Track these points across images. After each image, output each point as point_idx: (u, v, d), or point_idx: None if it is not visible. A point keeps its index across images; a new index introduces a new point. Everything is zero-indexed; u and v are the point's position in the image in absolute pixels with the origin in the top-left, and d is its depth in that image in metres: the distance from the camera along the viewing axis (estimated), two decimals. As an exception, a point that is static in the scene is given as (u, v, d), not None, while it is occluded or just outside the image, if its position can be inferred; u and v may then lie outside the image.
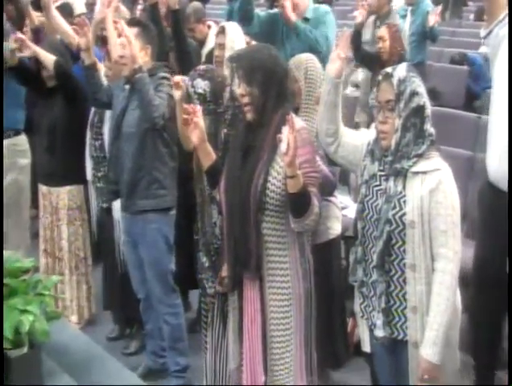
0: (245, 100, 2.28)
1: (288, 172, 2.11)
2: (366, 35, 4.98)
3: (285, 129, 2.04)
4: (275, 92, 2.26)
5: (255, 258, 2.27)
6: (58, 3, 4.82)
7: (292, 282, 2.32)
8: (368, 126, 2.99)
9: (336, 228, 3.11)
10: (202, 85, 2.71)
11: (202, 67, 2.72)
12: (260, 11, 4.32)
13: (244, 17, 3.91)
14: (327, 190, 2.97)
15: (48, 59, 3.54)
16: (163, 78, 3.02)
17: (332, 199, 3.09)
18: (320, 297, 2.92)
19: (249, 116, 2.29)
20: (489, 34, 2.78)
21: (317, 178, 2.29)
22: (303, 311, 2.36)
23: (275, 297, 2.31)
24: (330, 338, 3.10)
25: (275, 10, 4.14)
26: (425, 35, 5.68)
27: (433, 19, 5.47)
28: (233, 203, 2.32)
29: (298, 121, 2.31)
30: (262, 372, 2.33)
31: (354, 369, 3.25)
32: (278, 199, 2.24)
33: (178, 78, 2.75)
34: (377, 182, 2.22)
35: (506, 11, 2.74)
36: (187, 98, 2.83)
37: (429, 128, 2.17)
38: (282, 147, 2.04)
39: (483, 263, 2.89)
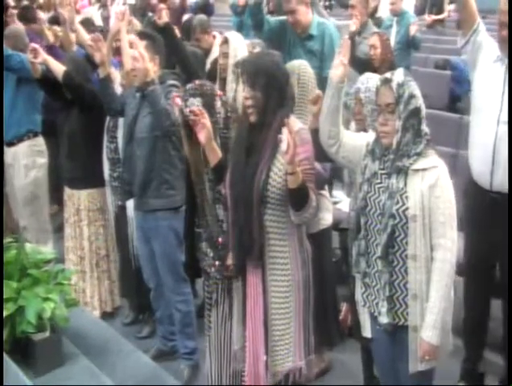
0: (249, 102, 2.29)
1: (288, 169, 2.12)
2: None
3: (285, 130, 2.06)
4: (276, 95, 2.27)
5: (258, 247, 2.28)
6: (79, 18, 4.87)
7: (292, 270, 2.33)
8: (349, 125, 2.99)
9: (327, 219, 3.12)
10: (195, 102, 2.72)
11: (191, 85, 2.71)
12: (271, 18, 4.28)
13: (255, 23, 3.91)
14: (318, 184, 2.98)
15: (58, 69, 3.52)
16: (172, 86, 3.02)
17: (323, 192, 3.10)
18: (314, 283, 2.94)
19: (252, 117, 2.30)
20: (466, 43, 2.79)
21: (314, 175, 2.30)
22: (302, 297, 2.37)
23: (276, 284, 2.32)
24: (323, 321, 3.11)
25: (284, 18, 4.09)
26: (409, 43, 5.69)
27: (414, 29, 5.48)
28: (237, 196, 2.33)
29: (297, 123, 2.32)
30: (263, 352, 2.34)
31: (346, 349, 3.27)
32: (279, 194, 2.25)
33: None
34: (379, 180, 2.22)
35: (479, 20, 2.76)
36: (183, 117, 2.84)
37: (425, 128, 2.17)
38: (283, 147, 2.05)
39: (471, 255, 2.89)
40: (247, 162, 2.30)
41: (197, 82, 2.73)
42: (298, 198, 2.20)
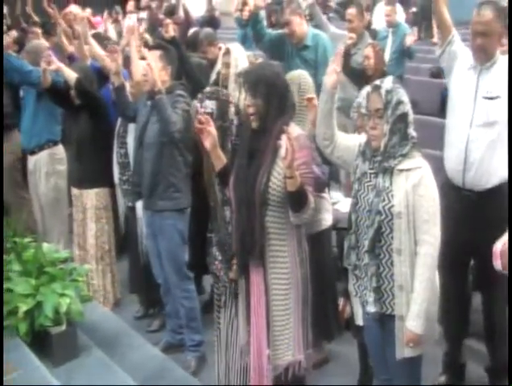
0: (251, 110, 2.31)
1: (287, 173, 2.15)
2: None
3: (284, 137, 2.08)
4: (277, 103, 2.29)
5: (259, 247, 2.29)
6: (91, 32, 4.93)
7: (291, 269, 2.34)
8: (345, 129, 3.02)
9: (327, 219, 3.14)
10: (210, 105, 2.75)
11: (208, 89, 2.74)
12: (272, 31, 4.35)
13: (255, 35, 3.96)
14: (318, 187, 3.00)
15: (71, 76, 3.59)
16: (180, 95, 3.05)
17: (323, 194, 3.12)
18: (314, 279, 2.94)
19: (254, 124, 2.32)
20: (443, 52, 2.86)
21: (312, 178, 2.32)
22: (301, 294, 2.37)
23: (276, 282, 2.33)
24: (323, 315, 3.13)
25: (283, 31, 4.15)
26: (403, 53, 5.70)
27: (410, 40, 5.49)
28: (240, 199, 2.35)
29: (296, 129, 2.35)
30: (266, 346, 2.35)
31: (344, 341, 3.27)
32: (279, 196, 2.26)
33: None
34: (368, 179, 2.25)
35: (454, 32, 2.84)
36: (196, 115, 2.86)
37: (412, 132, 2.21)
38: (282, 152, 2.08)
39: (447, 248, 2.92)
40: (249, 166, 2.32)
41: (214, 87, 2.75)
42: (297, 200, 2.22)
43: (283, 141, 2.07)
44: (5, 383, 2.06)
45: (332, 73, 2.26)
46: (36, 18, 6.02)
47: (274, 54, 3.76)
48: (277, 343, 2.35)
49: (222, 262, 2.72)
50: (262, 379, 2.38)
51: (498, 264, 1.93)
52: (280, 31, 4.25)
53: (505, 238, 1.93)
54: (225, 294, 2.74)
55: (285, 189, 2.22)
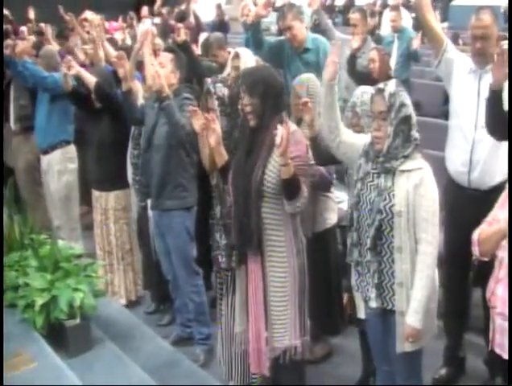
0: (248, 109, 2.36)
1: (281, 161, 2.21)
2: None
3: (279, 127, 2.15)
4: (272, 102, 2.34)
5: (256, 237, 2.34)
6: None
7: (288, 257, 2.37)
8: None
9: (332, 218, 3.14)
10: (222, 90, 2.77)
11: (223, 75, 2.75)
12: (270, 38, 4.39)
13: (255, 43, 4.00)
14: (324, 186, 3.00)
15: (90, 80, 3.61)
16: (186, 98, 3.07)
17: (329, 194, 3.12)
18: (320, 275, 2.95)
19: (251, 122, 2.37)
20: (439, 62, 2.87)
21: (306, 170, 2.36)
22: (298, 283, 2.40)
23: (274, 269, 2.37)
24: (329, 310, 3.14)
25: (282, 37, 4.18)
26: (409, 57, 5.68)
27: (416, 44, 5.48)
28: (238, 191, 2.39)
29: (292, 125, 2.41)
30: (264, 329, 2.40)
31: (349, 335, 3.27)
32: (274, 188, 2.31)
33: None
34: (371, 179, 2.26)
35: (446, 40, 2.86)
36: (206, 94, 2.90)
37: (415, 133, 2.21)
38: (277, 140, 2.15)
39: (450, 247, 2.92)
40: (247, 160, 2.38)
41: (228, 76, 2.74)
42: (290, 188, 2.26)
43: (279, 131, 2.15)
44: (23, 374, 2.08)
45: (330, 65, 2.28)
46: (44, 27, 6.05)
47: (273, 60, 3.79)
48: (275, 327, 2.40)
49: (224, 246, 2.73)
50: (260, 360, 2.43)
51: (476, 250, 1.97)
52: (278, 38, 4.28)
53: (483, 226, 1.97)
54: (227, 283, 2.76)
55: (280, 181, 2.27)
